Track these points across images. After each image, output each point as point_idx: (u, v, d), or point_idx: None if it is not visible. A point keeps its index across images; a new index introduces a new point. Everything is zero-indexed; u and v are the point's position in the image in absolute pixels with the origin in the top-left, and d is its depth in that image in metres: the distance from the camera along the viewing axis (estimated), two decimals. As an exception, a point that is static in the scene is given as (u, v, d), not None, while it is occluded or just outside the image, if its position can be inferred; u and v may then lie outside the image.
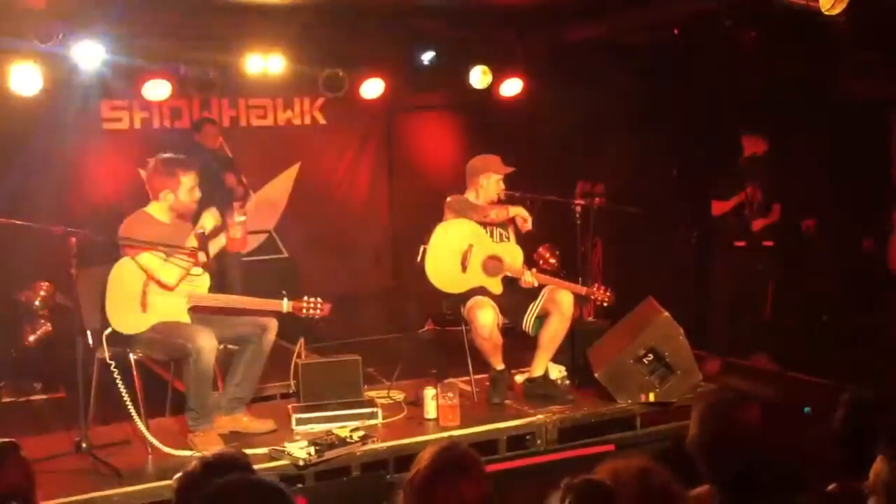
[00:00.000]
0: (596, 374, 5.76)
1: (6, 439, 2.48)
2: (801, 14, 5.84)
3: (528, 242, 6.24)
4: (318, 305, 5.25)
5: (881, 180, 7.95)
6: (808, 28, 6.71)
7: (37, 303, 7.40)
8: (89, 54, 6.70)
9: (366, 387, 5.93)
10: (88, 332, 5.15)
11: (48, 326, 7.46)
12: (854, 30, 6.36)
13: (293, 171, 8.98)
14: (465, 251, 5.77)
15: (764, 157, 7.28)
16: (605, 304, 6.04)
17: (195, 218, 5.23)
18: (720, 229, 7.37)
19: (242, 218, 5.48)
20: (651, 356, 5.73)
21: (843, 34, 6.45)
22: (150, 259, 5.00)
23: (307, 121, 8.98)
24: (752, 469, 2.21)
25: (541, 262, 8.58)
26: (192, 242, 5.05)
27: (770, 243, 7.38)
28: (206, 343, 4.89)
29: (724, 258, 7.38)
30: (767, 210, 7.33)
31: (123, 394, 4.94)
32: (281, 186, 8.97)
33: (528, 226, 5.94)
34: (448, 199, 6.02)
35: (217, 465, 2.45)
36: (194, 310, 5.20)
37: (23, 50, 6.53)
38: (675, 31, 7.33)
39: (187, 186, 5.11)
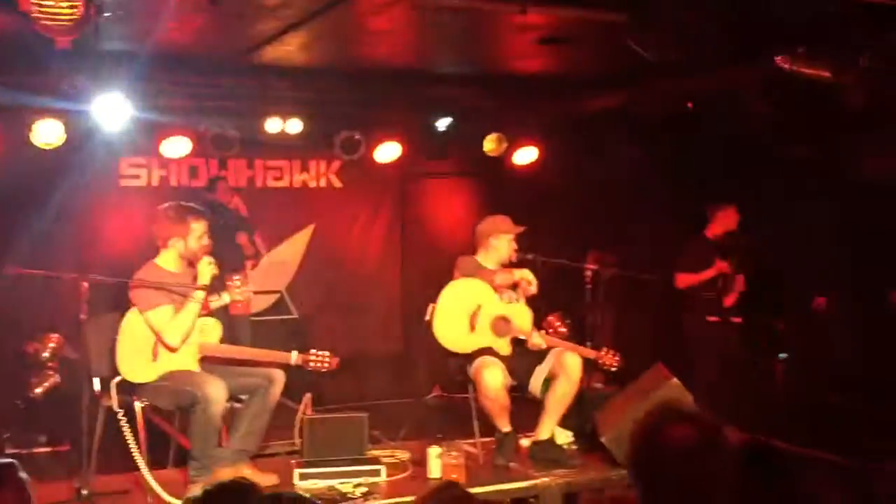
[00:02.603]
0: (602, 439, 5.70)
1: (5, 460, 2.47)
2: (817, 88, 5.89)
3: (538, 307, 6.25)
4: (326, 359, 5.26)
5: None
6: (823, 103, 6.81)
7: (45, 354, 7.43)
8: (114, 109, 6.82)
9: (370, 446, 5.89)
10: (96, 379, 5.16)
11: (56, 378, 7.46)
12: (870, 105, 6.44)
13: (307, 232, 9.05)
14: (473, 311, 5.77)
15: (738, 232, 7.24)
16: (613, 369, 6.01)
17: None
18: (696, 305, 7.25)
19: (241, 287, 5.46)
20: (659, 422, 5.66)
21: (860, 110, 6.53)
22: (157, 318, 5.03)
23: (322, 183, 9.06)
24: (677, 487, 2.21)
25: (550, 330, 8.57)
26: (200, 296, 5.10)
27: (738, 320, 7.25)
28: (216, 392, 4.89)
29: (702, 334, 7.25)
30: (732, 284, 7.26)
31: (129, 440, 4.91)
32: (294, 247, 9.02)
33: (533, 289, 5.96)
34: (458, 260, 6.06)
35: (219, 493, 2.43)
36: (203, 359, 5.22)
37: (48, 106, 6.70)
38: (690, 105, 7.41)
39: (197, 233, 5.17)
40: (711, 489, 2.23)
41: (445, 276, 6.06)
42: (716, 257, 7.13)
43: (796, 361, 8.13)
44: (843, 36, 4.95)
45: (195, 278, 5.20)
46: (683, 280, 7.17)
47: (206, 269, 5.18)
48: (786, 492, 2.98)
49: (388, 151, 8.21)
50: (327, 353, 5.29)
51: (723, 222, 7.18)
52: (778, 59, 4.99)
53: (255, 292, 8.28)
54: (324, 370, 5.30)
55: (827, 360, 8.01)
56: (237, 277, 5.53)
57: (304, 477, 5.28)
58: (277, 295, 8.91)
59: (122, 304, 5.18)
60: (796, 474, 3.08)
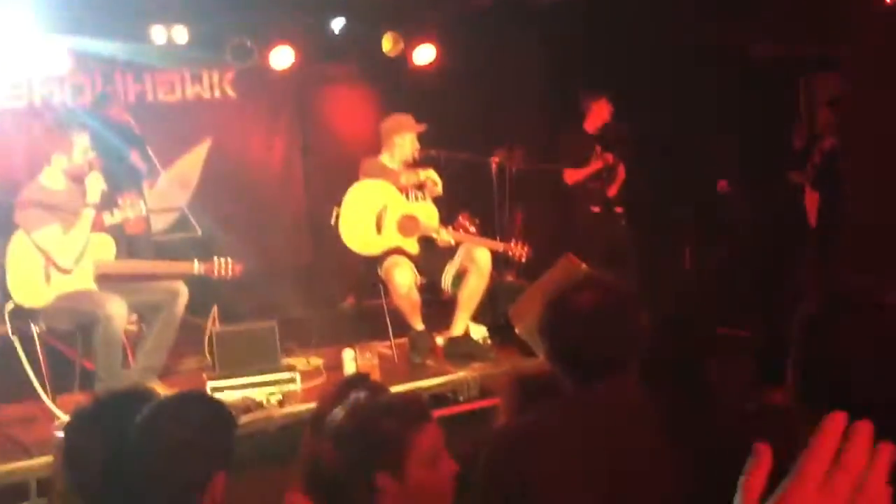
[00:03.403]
0: (517, 330, 5.71)
1: None
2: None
3: (447, 206, 6.18)
4: (230, 266, 5.12)
5: (790, 141, 8.11)
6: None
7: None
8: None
9: (284, 355, 5.80)
10: (-13, 306, 4.93)
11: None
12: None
13: (204, 146, 8.72)
14: (379, 212, 5.68)
15: (613, 123, 7.19)
16: (522, 260, 6.00)
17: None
18: (579, 196, 7.23)
19: (133, 204, 5.22)
20: (571, 310, 5.69)
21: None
22: (45, 238, 4.79)
23: (217, 94, 8.70)
24: (584, 351, 2.21)
25: (460, 230, 8.52)
26: (90, 213, 4.88)
27: (620, 210, 7.28)
28: (116, 309, 4.73)
29: (585, 225, 7.27)
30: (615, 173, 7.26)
31: (26, 367, 4.73)
32: (192, 163, 8.70)
33: (439, 190, 5.90)
34: (362, 161, 5.93)
35: (112, 400, 2.31)
36: (102, 278, 5.02)
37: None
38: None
39: (80, 147, 4.91)
40: (619, 352, 2.22)
41: (351, 182, 5.93)
42: (596, 148, 7.11)
43: (703, 244, 8.31)
44: None
45: (84, 195, 4.96)
46: (571, 175, 7.12)
47: (95, 185, 4.94)
48: (695, 363, 3.00)
49: (282, 57, 7.88)
50: (230, 259, 5.15)
51: (597, 114, 7.12)
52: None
53: (155, 210, 8.00)
54: (228, 277, 5.15)
55: (732, 240, 8.21)
56: (128, 195, 5.31)
57: (216, 390, 5.17)
58: (179, 212, 8.61)
59: (7, 228, 4.93)
60: (705, 347, 3.10)
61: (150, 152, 8.06)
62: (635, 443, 2.18)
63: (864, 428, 0.85)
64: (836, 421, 0.86)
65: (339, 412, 2.07)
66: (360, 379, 2.63)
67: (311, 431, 2.41)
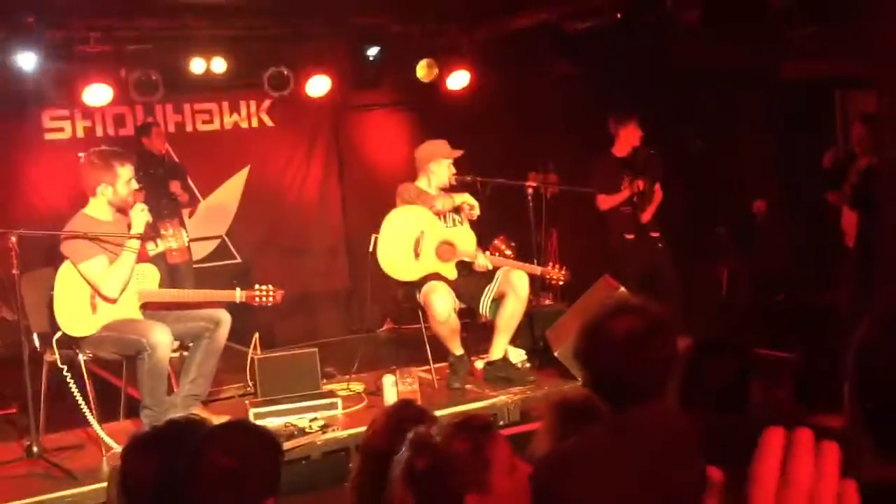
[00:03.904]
0: (555, 353, 5.74)
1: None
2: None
3: (483, 230, 6.22)
4: (271, 293, 5.18)
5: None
6: (750, 6, 6.82)
7: (-18, 319, 7.20)
8: (26, 62, 6.60)
9: (324, 381, 5.87)
10: (35, 335, 5.04)
11: (-4, 342, 7.25)
12: (794, 7, 6.47)
13: (242, 174, 8.86)
14: (417, 238, 5.73)
15: (644, 147, 7.07)
16: (560, 283, 6.02)
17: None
18: (613, 221, 7.12)
19: (174, 235, 5.31)
20: (609, 332, 5.70)
21: (785, 11, 6.55)
22: (92, 270, 4.88)
23: (254, 123, 8.85)
24: (620, 377, 2.24)
25: (496, 254, 8.55)
26: (136, 245, 4.97)
27: (656, 234, 7.13)
28: (161, 338, 4.80)
29: (620, 250, 7.13)
30: (651, 197, 7.10)
31: (75, 393, 4.82)
32: (231, 191, 8.84)
33: (476, 213, 5.93)
34: (399, 188, 6.00)
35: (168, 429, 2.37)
36: (146, 307, 5.12)
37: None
38: (618, 15, 7.34)
39: (125, 178, 4.99)
40: (655, 377, 2.24)
41: (387, 208, 6.00)
42: (626, 174, 7.06)
43: (740, 266, 8.28)
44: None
45: (129, 227, 5.06)
46: (603, 202, 7.02)
47: (140, 217, 5.03)
48: (737, 385, 3.00)
49: (318, 85, 8.01)
50: (271, 287, 5.21)
51: (625, 139, 7.04)
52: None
53: (195, 239, 8.14)
54: (269, 304, 5.22)
55: (769, 262, 8.17)
56: (170, 224, 5.41)
57: (259, 416, 5.24)
58: (218, 240, 8.75)
59: (55, 258, 5.04)
60: (747, 369, 3.11)
61: (190, 181, 8.23)
62: (675, 467, 2.20)
63: (804, 437, 0.83)
64: (774, 437, 0.84)
65: (404, 453, 2.08)
66: (406, 404, 2.68)
67: (361, 459, 2.45)
